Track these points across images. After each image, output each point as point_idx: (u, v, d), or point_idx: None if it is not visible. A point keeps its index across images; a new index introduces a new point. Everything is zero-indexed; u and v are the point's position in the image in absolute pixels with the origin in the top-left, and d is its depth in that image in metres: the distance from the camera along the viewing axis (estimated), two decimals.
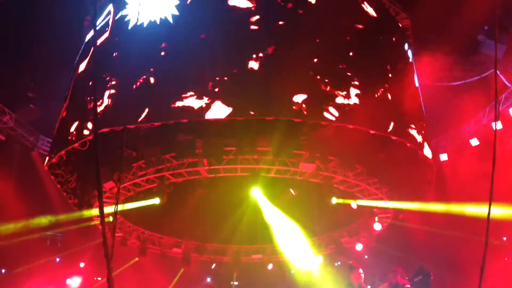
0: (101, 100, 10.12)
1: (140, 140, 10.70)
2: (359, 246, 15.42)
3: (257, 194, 12.01)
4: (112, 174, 10.68)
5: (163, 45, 10.07)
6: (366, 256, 15.71)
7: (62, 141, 10.95)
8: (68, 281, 18.07)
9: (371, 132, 9.72)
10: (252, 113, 9.28)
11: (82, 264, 17.30)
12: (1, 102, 12.24)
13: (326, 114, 9.39)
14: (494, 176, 3.93)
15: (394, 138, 10.12)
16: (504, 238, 15.53)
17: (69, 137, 10.66)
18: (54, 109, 12.18)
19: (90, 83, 10.50)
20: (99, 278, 17.63)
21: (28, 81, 13.04)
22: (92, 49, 10.76)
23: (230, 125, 9.80)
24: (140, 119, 9.41)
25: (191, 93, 9.35)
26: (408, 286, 8.15)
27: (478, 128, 12.84)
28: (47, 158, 11.63)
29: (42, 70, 12.59)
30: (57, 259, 17.36)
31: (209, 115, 9.18)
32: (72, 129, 10.68)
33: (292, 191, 12.00)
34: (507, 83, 11.29)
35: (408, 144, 10.42)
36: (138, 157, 11.18)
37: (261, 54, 9.69)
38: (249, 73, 9.54)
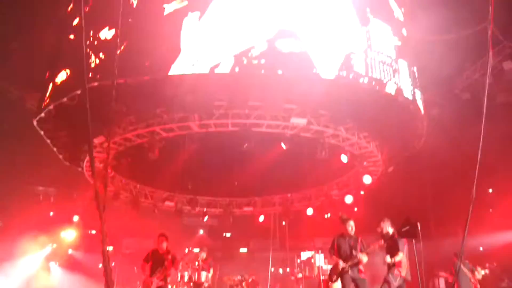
0: (92, 55, 9.90)
1: (130, 94, 10.55)
2: (348, 199, 15.75)
3: (248, 148, 12.04)
4: (102, 129, 10.61)
5: None
6: (355, 209, 16.04)
7: (51, 96, 10.78)
8: (63, 234, 18.37)
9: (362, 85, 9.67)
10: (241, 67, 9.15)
11: (75, 218, 17.53)
12: None
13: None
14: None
15: (385, 92, 10.09)
16: (490, 190, 15.93)
17: (58, 92, 10.49)
18: (41, 62, 11.91)
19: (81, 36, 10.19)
20: (93, 231, 17.95)
21: (12, 32, 12.62)
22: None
23: (220, 79, 9.67)
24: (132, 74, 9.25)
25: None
26: (396, 237, 8.38)
27: (469, 83, 12.82)
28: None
29: (27, 20, 12.18)
30: (51, 213, 17.55)
31: (198, 70, 9.05)
32: (61, 83, 10.50)
33: (283, 145, 12.03)
34: (500, 37, 11.18)
35: (399, 98, 10.41)
36: (128, 112, 11.08)
37: None
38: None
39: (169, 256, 9.14)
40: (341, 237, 8.68)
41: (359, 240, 8.51)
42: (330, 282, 10.07)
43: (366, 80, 9.69)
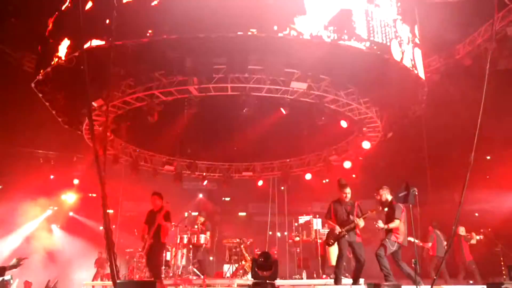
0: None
1: (128, 57, 10.43)
2: (347, 164, 15.84)
3: (247, 113, 12.01)
4: (101, 92, 10.55)
5: None
6: (353, 175, 16.16)
7: (49, 57, 10.66)
8: (63, 197, 18.58)
9: (363, 50, 9.54)
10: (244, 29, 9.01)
11: (76, 181, 17.67)
12: None
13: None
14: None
15: (387, 56, 9.98)
16: (488, 157, 16.01)
17: (56, 54, 10.36)
18: (39, 23, 11.69)
19: None
20: (94, 195, 18.13)
21: None
22: None
23: (220, 42, 9.53)
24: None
25: None
26: (394, 203, 8.48)
27: (472, 48, 12.64)
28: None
29: None
30: (51, 176, 17.68)
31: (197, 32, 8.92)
32: (59, 45, 10.35)
33: (282, 110, 11.99)
34: (506, 1, 10.95)
35: (401, 64, 10.30)
36: (126, 75, 10.99)
37: None
38: None
39: (161, 213, 9.27)
40: (338, 202, 8.78)
41: (356, 205, 8.61)
42: (327, 246, 10.27)
43: (367, 44, 9.56)
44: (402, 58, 10.30)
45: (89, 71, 7.53)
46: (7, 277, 3.80)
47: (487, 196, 14.78)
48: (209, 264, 14.02)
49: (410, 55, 10.66)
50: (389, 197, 8.66)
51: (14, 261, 5.81)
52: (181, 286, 10.41)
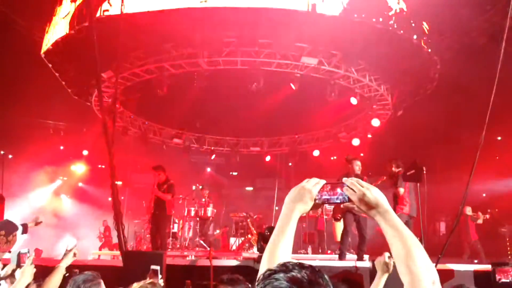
0: None
1: (138, 28, 10.36)
2: (356, 141, 15.78)
3: (256, 88, 11.93)
4: (110, 63, 10.52)
5: None
6: (361, 154, 16.08)
7: (59, 28, 10.62)
8: (73, 167, 18.75)
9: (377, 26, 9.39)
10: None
11: (85, 152, 17.80)
12: None
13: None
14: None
15: (399, 33, 9.81)
16: (499, 138, 15.85)
17: (66, 24, 10.31)
18: None
19: None
20: (103, 166, 18.27)
21: None
22: None
23: (231, 15, 9.42)
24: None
25: None
26: (400, 173, 8.43)
27: (488, 26, 12.34)
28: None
29: None
30: (61, 147, 17.81)
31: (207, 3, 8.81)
32: (69, 15, 10.30)
33: (292, 85, 11.89)
34: None
35: (413, 41, 10.14)
36: (136, 47, 10.93)
37: None
38: None
39: (165, 185, 9.35)
40: (345, 177, 8.77)
41: (364, 179, 8.60)
42: (334, 220, 10.32)
43: (380, 20, 9.40)
44: (414, 35, 10.13)
45: (99, 42, 7.51)
46: (23, 250, 3.85)
47: (496, 176, 14.69)
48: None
49: (422, 32, 10.47)
50: (395, 170, 8.61)
51: (34, 218, 6.02)
52: (187, 254, 10.58)
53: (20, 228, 5.34)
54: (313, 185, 1.70)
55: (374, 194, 1.59)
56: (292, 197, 1.70)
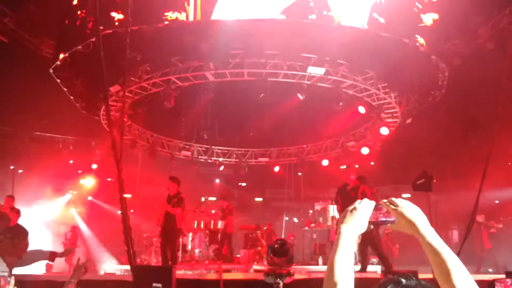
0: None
1: (145, 42, 10.43)
2: (365, 150, 15.66)
3: (264, 98, 11.93)
4: (118, 77, 10.57)
5: None
6: (372, 163, 15.96)
7: (66, 43, 10.72)
8: (82, 181, 18.82)
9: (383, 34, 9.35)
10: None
11: (94, 166, 17.86)
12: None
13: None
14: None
15: (406, 41, 9.76)
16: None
17: (73, 39, 10.41)
18: (57, 10, 11.72)
19: None
20: (112, 179, 18.31)
21: None
22: None
23: (237, 27, 9.44)
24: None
25: None
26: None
27: (495, 32, 12.26)
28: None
29: None
30: (70, 161, 17.90)
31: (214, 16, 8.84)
32: (77, 31, 10.39)
33: (299, 95, 11.87)
34: None
35: (421, 48, 10.08)
36: (143, 60, 10.99)
37: None
38: None
39: (175, 199, 9.32)
40: (343, 188, 8.77)
41: (361, 190, 8.52)
42: None
43: (387, 29, 9.37)
44: (421, 43, 10.07)
45: (106, 57, 7.54)
46: (3, 273, 3.70)
47: (508, 183, 14.50)
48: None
49: (429, 40, 10.41)
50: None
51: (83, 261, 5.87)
52: (197, 267, 10.50)
53: (47, 254, 5.24)
54: (366, 207, 1.73)
55: (410, 212, 1.66)
56: (347, 221, 1.71)
